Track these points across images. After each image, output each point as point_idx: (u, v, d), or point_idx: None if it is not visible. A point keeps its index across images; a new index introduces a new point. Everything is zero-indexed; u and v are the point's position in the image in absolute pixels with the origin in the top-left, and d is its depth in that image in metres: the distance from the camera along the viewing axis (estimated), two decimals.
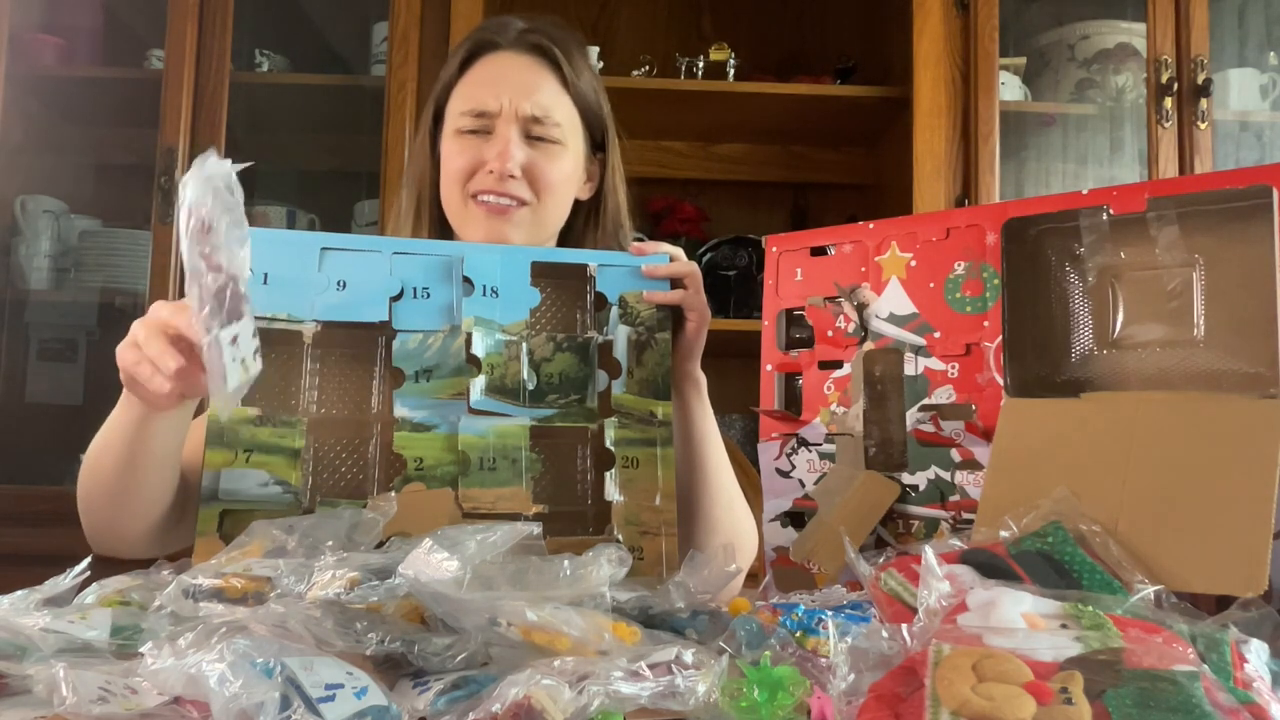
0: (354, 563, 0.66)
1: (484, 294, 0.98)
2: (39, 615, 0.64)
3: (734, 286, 2.18)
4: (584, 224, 1.22)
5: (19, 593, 0.70)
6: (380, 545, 0.88)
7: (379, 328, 0.95)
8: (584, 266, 1.02)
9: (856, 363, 0.93)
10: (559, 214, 1.17)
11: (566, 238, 1.21)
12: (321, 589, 0.62)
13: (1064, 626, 0.55)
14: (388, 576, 0.63)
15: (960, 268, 0.88)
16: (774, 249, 0.99)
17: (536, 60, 1.14)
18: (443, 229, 1.19)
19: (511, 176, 1.10)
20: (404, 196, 1.25)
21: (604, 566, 0.67)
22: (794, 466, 0.96)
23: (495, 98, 1.12)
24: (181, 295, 0.81)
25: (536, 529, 0.69)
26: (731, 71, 2.28)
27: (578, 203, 1.20)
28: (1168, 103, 2.10)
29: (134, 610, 0.70)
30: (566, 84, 1.15)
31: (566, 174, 1.15)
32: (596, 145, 1.21)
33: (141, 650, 0.55)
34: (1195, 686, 0.47)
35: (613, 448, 0.97)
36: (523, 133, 1.12)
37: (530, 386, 0.97)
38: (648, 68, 2.30)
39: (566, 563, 0.66)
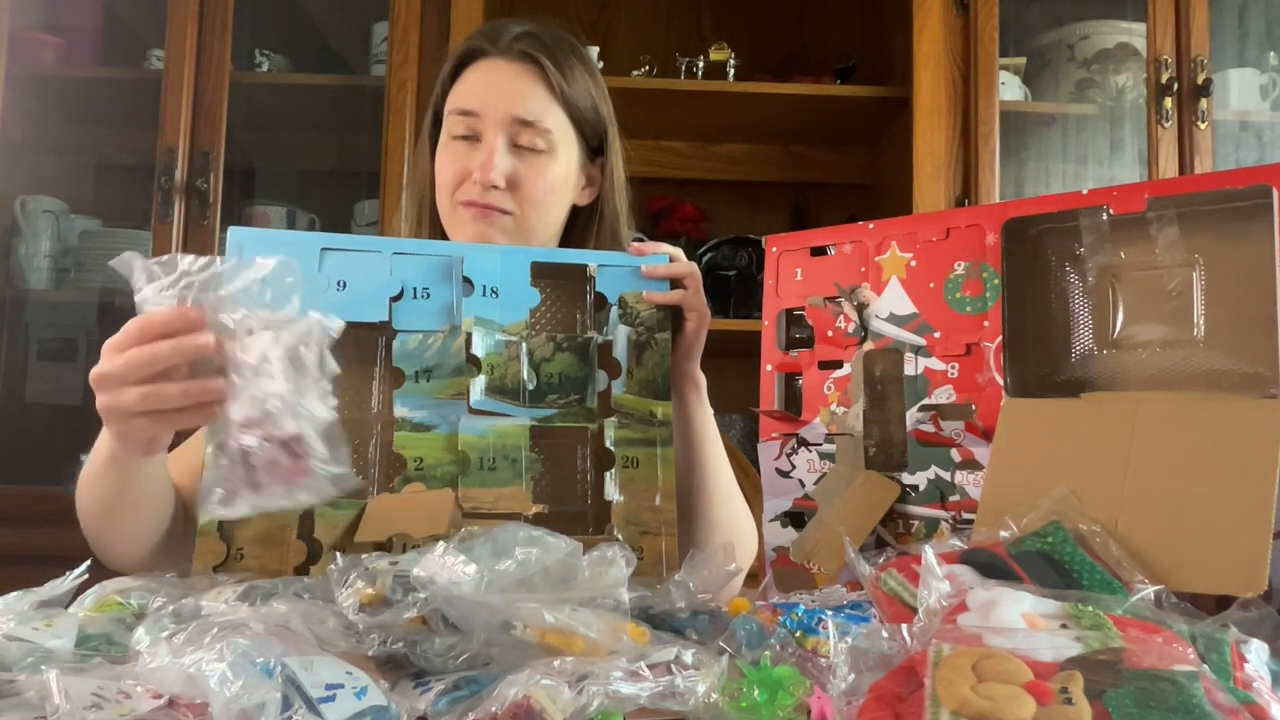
0: (373, 576, 0.64)
1: (484, 294, 0.98)
2: (4, 620, 0.62)
3: (734, 286, 2.19)
4: (584, 228, 1.22)
5: (14, 594, 0.69)
6: (382, 546, 0.88)
7: (379, 328, 0.95)
8: (584, 267, 1.02)
9: (856, 363, 0.93)
10: (546, 223, 1.16)
11: (567, 241, 1.21)
12: (346, 600, 0.61)
13: (1064, 626, 0.55)
14: (412, 589, 0.62)
15: (960, 268, 0.88)
16: (774, 249, 0.99)
17: (526, 67, 1.13)
18: (444, 233, 1.19)
19: (494, 187, 1.10)
20: (407, 199, 1.26)
21: (620, 566, 0.66)
22: (794, 466, 0.96)
23: (482, 103, 1.12)
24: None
25: (576, 546, 0.68)
26: (731, 71, 2.28)
27: (577, 208, 1.20)
28: (1168, 103, 2.10)
29: (112, 617, 0.68)
30: (554, 93, 1.14)
31: (553, 184, 1.14)
32: (595, 151, 1.21)
33: (138, 649, 0.55)
34: (1195, 686, 0.47)
35: (612, 448, 0.97)
36: (510, 140, 1.12)
37: (530, 386, 0.97)
38: (648, 68, 2.30)
39: (585, 562, 0.66)
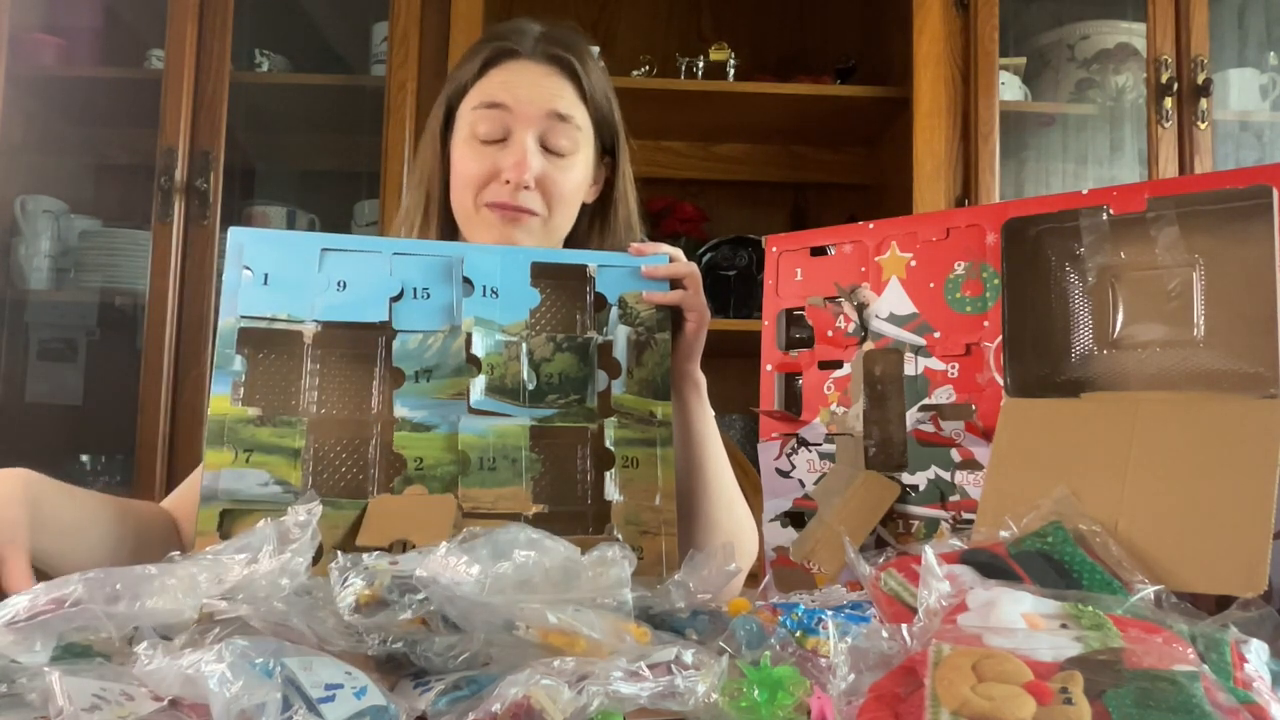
0: (371, 577, 0.64)
1: (484, 294, 0.98)
2: None
3: (734, 286, 2.19)
4: (589, 226, 1.22)
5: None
6: (387, 549, 0.88)
7: (379, 328, 0.95)
8: (584, 267, 1.02)
9: (856, 363, 0.93)
10: (568, 223, 1.17)
11: (572, 240, 1.21)
12: (343, 601, 0.61)
13: (1064, 626, 0.55)
14: (409, 590, 0.62)
15: (960, 268, 0.88)
16: (774, 249, 0.99)
17: (555, 70, 1.14)
18: (451, 230, 1.19)
19: (526, 188, 1.10)
20: (409, 196, 1.25)
21: (623, 567, 0.66)
22: (794, 466, 0.96)
23: (515, 98, 1.12)
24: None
25: (575, 550, 0.68)
26: (731, 71, 2.28)
27: (584, 205, 1.21)
28: (1168, 103, 2.10)
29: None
30: (584, 95, 1.15)
31: (578, 184, 1.16)
32: (606, 149, 1.21)
33: (137, 650, 0.55)
34: (1195, 686, 0.47)
35: (612, 448, 0.97)
36: (539, 140, 1.12)
37: (530, 386, 0.97)
38: (648, 68, 2.30)
39: (586, 560, 0.66)
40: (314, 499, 0.71)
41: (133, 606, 0.60)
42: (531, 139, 1.11)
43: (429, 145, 1.21)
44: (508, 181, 1.10)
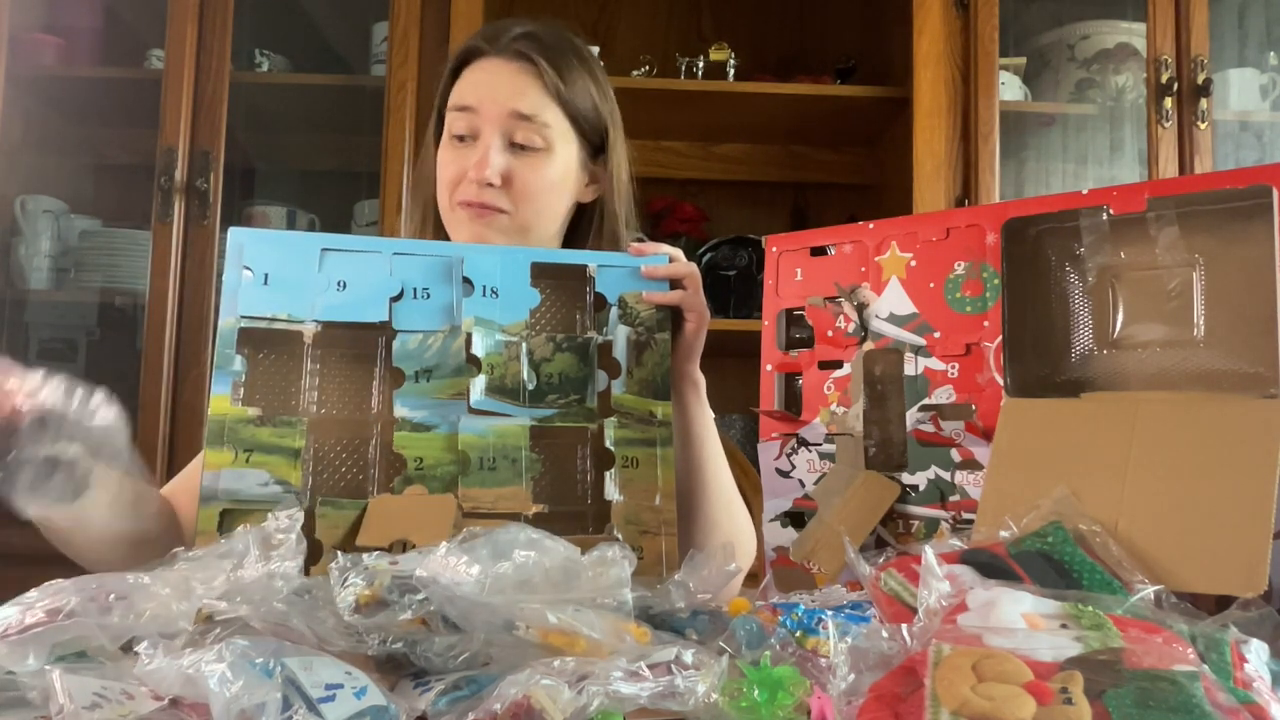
0: (371, 577, 0.64)
1: (484, 294, 0.98)
2: None
3: (734, 286, 2.19)
4: (588, 226, 1.22)
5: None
6: (387, 549, 0.88)
7: (379, 328, 0.95)
8: (583, 267, 1.02)
9: (856, 363, 0.93)
10: (545, 220, 1.16)
11: (570, 241, 1.21)
12: (343, 600, 0.61)
13: (1064, 626, 0.55)
14: (409, 590, 0.62)
15: (960, 268, 0.88)
16: (774, 249, 0.99)
17: (522, 66, 1.14)
18: (446, 234, 1.20)
19: (490, 185, 1.10)
20: (410, 200, 1.26)
21: (623, 567, 0.66)
22: (794, 466, 0.96)
23: (479, 99, 1.13)
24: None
25: (574, 550, 0.68)
26: (731, 71, 2.28)
27: (582, 205, 1.20)
28: (1168, 103, 2.10)
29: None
30: (550, 91, 1.14)
31: (550, 182, 1.14)
32: (598, 149, 1.21)
33: (137, 650, 0.55)
34: (1195, 686, 0.47)
35: (612, 447, 0.97)
36: (506, 139, 1.12)
37: (530, 386, 0.97)
38: (648, 68, 2.30)
39: (586, 560, 0.66)
40: (296, 505, 0.71)
41: (126, 618, 0.60)
42: (497, 138, 1.12)
43: (425, 150, 1.24)
44: (473, 181, 1.11)
